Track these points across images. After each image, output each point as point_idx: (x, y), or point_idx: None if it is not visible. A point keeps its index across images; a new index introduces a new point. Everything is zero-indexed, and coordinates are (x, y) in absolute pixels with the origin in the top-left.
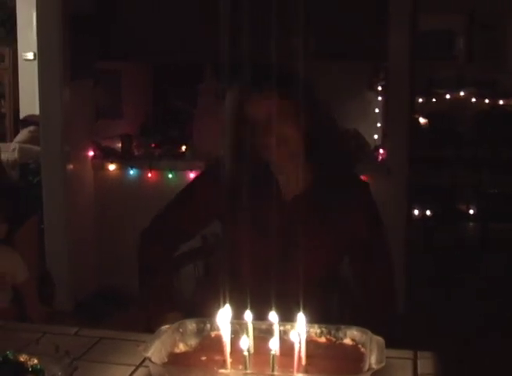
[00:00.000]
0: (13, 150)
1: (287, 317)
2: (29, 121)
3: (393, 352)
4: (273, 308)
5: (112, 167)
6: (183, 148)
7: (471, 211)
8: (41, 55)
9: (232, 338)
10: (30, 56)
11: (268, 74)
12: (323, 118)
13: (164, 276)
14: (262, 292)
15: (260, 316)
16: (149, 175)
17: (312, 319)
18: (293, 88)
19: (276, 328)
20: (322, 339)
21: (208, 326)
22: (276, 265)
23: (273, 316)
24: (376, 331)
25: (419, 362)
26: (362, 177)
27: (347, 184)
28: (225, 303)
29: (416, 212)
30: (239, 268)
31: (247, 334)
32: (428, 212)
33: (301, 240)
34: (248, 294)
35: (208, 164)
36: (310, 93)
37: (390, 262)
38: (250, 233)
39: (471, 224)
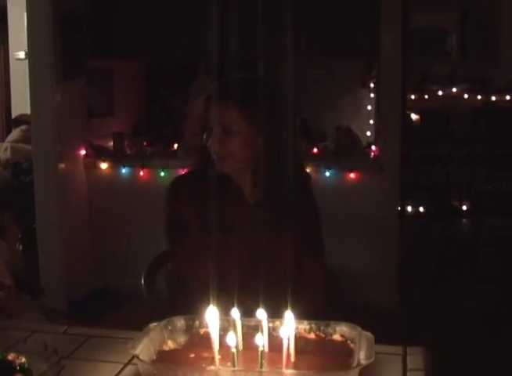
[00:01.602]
0: (5, 149)
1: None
2: (21, 120)
3: (382, 348)
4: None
5: (104, 165)
6: (175, 146)
7: (465, 208)
8: (31, 54)
9: (220, 335)
10: (21, 55)
11: (235, 85)
12: (279, 133)
13: None
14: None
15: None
16: (142, 173)
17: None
18: (254, 104)
19: (265, 325)
20: (312, 335)
21: (197, 323)
22: (246, 265)
23: (261, 313)
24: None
25: (408, 357)
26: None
27: (295, 195)
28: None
29: (409, 209)
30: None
31: (235, 330)
32: (421, 209)
33: (264, 240)
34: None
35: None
36: (273, 107)
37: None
38: (219, 236)
39: (465, 220)
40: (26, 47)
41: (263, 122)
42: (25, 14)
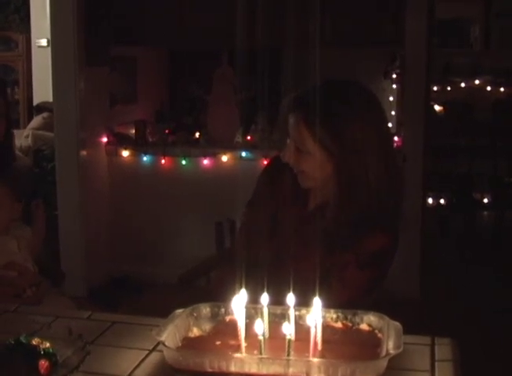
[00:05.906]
0: (26, 136)
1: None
2: (42, 107)
3: (410, 338)
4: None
5: (126, 153)
6: (197, 134)
7: (486, 200)
8: (54, 41)
9: (246, 323)
10: (43, 42)
11: (305, 98)
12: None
13: None
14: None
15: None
16: (163, 161)
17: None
18: (330, 128)
19: (292, 313)
20: (339, 324)
21: (223, 310)
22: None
23: (290, 300)
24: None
25: (436, 348)
26: None
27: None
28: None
29: (430, 200)
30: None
31: (262, 318)
32: (442, 201)
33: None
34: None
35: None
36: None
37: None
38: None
39: (486, 212)
40: (48, 34)
41: (336, 148)
42: (48, 1)
